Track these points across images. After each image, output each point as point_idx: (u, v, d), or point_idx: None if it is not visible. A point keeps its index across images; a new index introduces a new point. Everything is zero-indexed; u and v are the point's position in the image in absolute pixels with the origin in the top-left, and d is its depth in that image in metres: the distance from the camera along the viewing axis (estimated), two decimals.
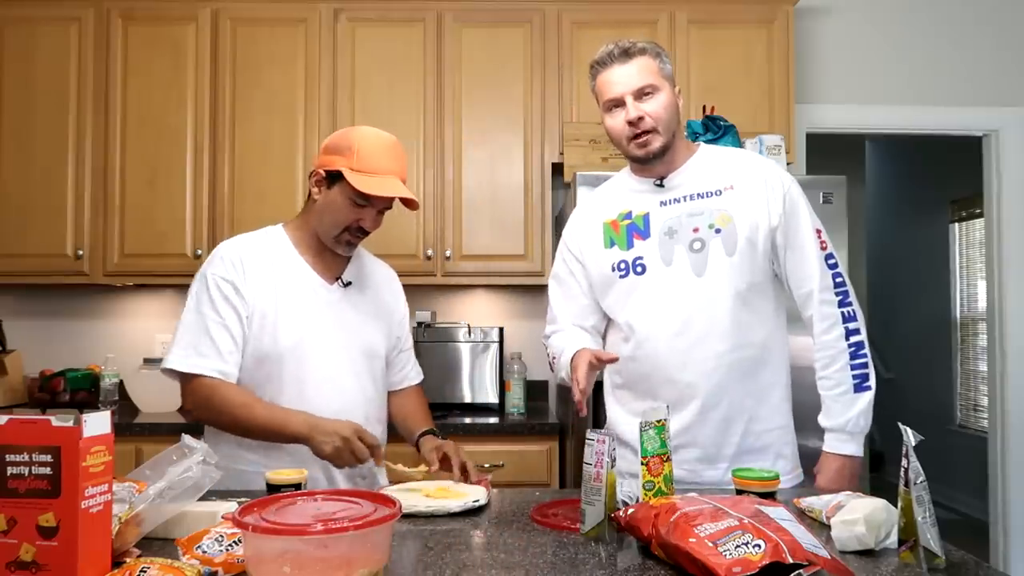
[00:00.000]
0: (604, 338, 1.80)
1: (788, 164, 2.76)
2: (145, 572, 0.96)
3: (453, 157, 3.00)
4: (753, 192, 1.65)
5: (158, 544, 1.16)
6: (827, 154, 3.51)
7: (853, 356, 1.63)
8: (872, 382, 1.63)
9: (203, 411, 1.66)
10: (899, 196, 6.24)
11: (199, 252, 2.95)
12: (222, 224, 2.97)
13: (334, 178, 1.65)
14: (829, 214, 2.58)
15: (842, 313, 1.64)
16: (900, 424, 1.17)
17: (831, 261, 1.66)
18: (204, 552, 1.04)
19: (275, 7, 3.01)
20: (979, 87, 3.40)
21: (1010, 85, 3.41)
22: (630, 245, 1.69)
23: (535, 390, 3.24)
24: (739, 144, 2.72)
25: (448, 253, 2.97)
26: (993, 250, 3.45)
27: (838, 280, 1.65)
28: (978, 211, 4.92)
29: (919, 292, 5.92)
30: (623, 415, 1.72)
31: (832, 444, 1.63)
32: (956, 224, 5.50)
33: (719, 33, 3.02)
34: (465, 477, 1.60)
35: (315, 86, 2.99)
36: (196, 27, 3.00)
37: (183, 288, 3.23)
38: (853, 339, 1.63)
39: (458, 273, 3.00)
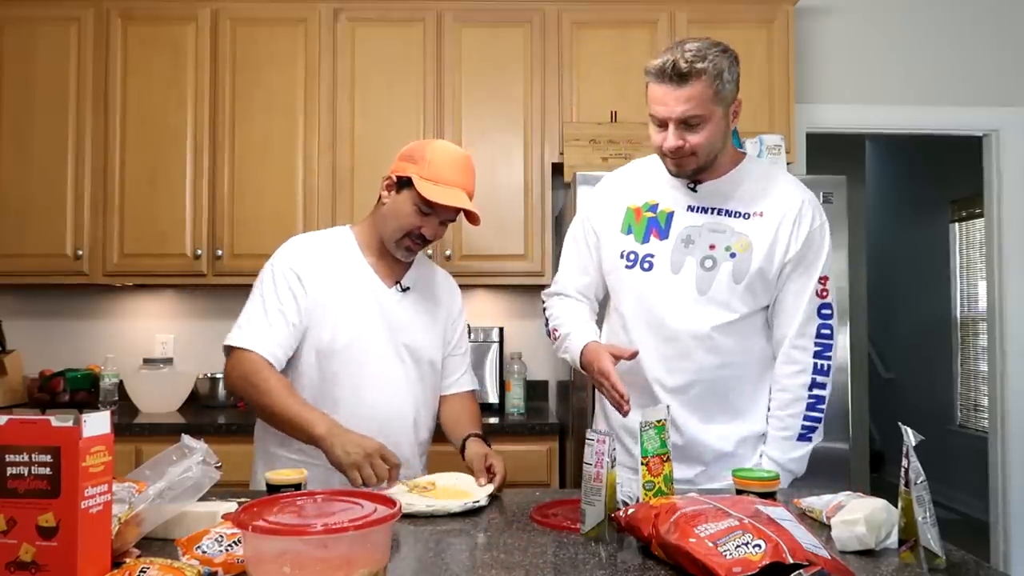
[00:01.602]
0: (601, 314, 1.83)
1: (788, 164, 2.76)
2: (145, 572, 0.96)
3: None
4: (781, 224, 1.62)
5: (158, 544, 1.16)
6: (827, 154, 3.51)
7: (810, 408, 1.63)
8: (816, 437, 1.64)
9: (240, 383, 1.65)
10: (899, 196, 6.24)
11: (199, 252, 2.95)
12: (222, 224, 2.96)
13: (403, 184, 1.69)
14: (829, 214, 2.54)
15: (815, 364, 1.63)
16: (900, 424, 1.17)
17: (825, 311, 1.64)
18: (204, 552, 1.04)
19: (275, 7, 3.01)
20: (979, 87, 3.40)
21: (1010, 85, 3.41)
22: (646, 239, 1.66)
23: (535, 390, 3.24)
24: (739, 144, 2.71)
25: (448, 253, 2.97)
26: (993, 250, 3.44)
27: (824, 332, 1.63)
28: (978, 211, 4.92)
29: (919, 292, 5.92)
30: (609, 406, 1.72)
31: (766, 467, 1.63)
32: (956, 224, 5.50)
33: (719, 33, 2.98)
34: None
35: (315, 86, 2.99)
36: (196, 27, 3.00)
37: (183, 288, 3.27)
38: (816, 392, 1.63)
39: (459, 273, 2.97)
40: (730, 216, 1.63)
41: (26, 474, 0.95)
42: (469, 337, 2.95)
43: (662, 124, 1.57)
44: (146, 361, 2.99)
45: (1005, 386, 3.38)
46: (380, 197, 1.75)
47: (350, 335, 1.70)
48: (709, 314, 1.61)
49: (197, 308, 3.29)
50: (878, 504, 1.19)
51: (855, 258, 5.48)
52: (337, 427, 1.57)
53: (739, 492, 1.30)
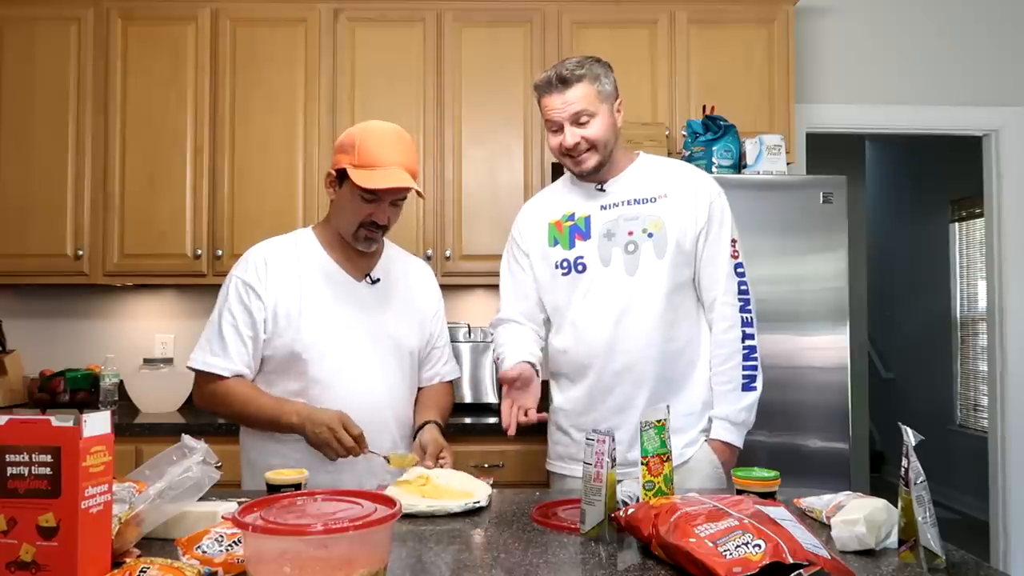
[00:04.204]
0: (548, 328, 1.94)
1: (788, 164, 2.76)
2: (145, 572, 0.96)
3: (453, 157, 3.00)
4: (684, 200, 1.80)
5: (158, 544, 1.16)
6: (827, 154, 3.51)
7: (746, 358, 1.79)
8: (758, 385, 1.80)
9: (210, 404, 1.74)
10: (899, 196, 6.24)
11: (199, 252, 2.95)
12: (222, 224, 2.96)
13: (343, 176, 1.69)
14: (829, 214, 2.59)
15: (742, 318, 1.80)
16: (900, 424, 1.17)
17: (739, 270, 1.82)
18: (204, 552, 1.04)
19: (275, 7, 3.01)
20: (979, 87, 3.40)
21: (1010, 85, 3.41)
22: (572, 245, 1.83)
23: None
24: (739, 143, 2.72)
25: (448, 253, 2.97)
26: (993, 250, 3.44)
27: (742, 288, 1.81)
28: (978, 211, 4.92)
29: (919, 292, 5.92)
30: (561, 399, 1.89)
31: (717, 431, 1.79)
32: (956, 224, 5.50)
33: (719, 33, 3.02)
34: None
35: (315, 86, 2.99)
36: (196, 27, 3.00)
37: (183, 288, 3.27)
38: (748, 342, 1.80)
39: (458, 273, 3.00)
40: (639, 203, 1.81)
41: (26, 474, 0.95)
42: (468, 337, 2.97)
43: (558, 128, 1.78)
44: (146, 361, 2.99)
45: (1005, 386, 3.38)
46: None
47: (316, 333, 1.70)
48: (641, 294, 1.77)
49: (197, 308, 3.28)
50: (878, 504, 1.19)
51: (855, 258, 5.47)
52: (307, 409, 1.63)
53: (739, 492, 1.30)
